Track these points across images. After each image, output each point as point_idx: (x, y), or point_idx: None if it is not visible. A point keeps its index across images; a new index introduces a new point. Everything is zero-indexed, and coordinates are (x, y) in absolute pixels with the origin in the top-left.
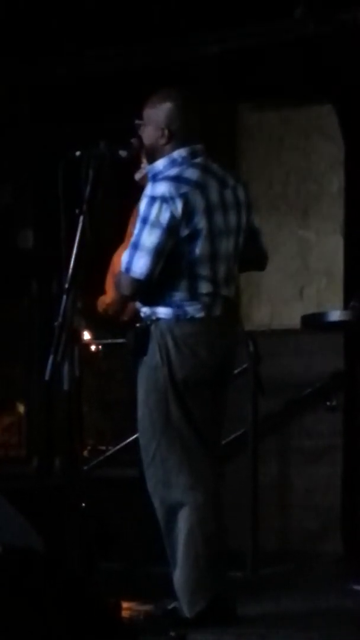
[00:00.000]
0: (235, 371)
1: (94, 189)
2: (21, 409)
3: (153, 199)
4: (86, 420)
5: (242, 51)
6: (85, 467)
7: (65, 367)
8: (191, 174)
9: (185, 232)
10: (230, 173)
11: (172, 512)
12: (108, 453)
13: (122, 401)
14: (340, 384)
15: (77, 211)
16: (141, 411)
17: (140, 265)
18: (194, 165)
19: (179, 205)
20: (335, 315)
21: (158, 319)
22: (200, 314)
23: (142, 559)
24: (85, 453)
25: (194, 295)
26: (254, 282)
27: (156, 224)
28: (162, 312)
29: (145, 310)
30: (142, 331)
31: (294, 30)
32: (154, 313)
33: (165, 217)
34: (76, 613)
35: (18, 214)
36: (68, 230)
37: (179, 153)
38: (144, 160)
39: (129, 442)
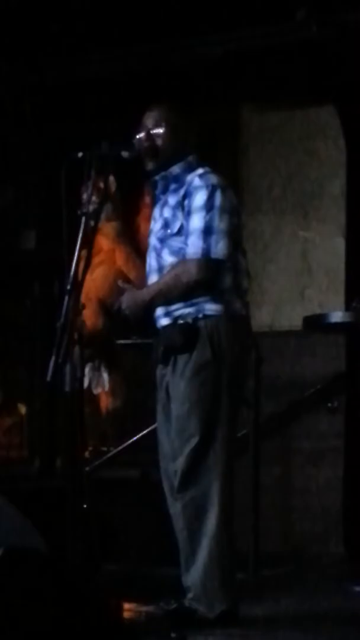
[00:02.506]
0: None
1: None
2: (23, 410)
3: (213, 188)
4: (88, 421)
5: (244, 53)
6: (87, 468)
7: (67, 368)
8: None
9: (236, 221)
10: None
11: (200, 511)
12: (110, 454)
13: (124, 402)
14: (342, 385)
15: (79, 212)
16: (185, 407)
17: (220, 247)
18: (210, 167)
19: (232, 195)
20: (337, 316)
21: (206, 316)
22: (244, 312)
23: (144, 559)
24: (87, 454)
25: (238, 292)
26: (255, 283)
27: (224, 209)
28: (212, 308)
29: (183, 311)
30: (190, 328)
31: (297, 32)
32: (200, 310)
33: (227, 203)
34: (78, 614)
35: (20, 215)
36: (70, 231)
37: (192, 157)
38: (94, 195)
39: (130, 443)
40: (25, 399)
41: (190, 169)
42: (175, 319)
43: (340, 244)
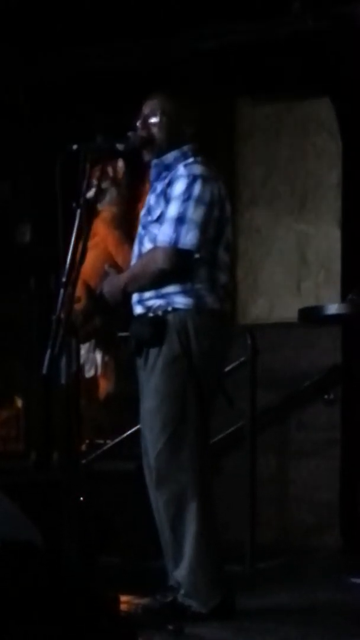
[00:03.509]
0: (234, 364)
1: (97, 182)
2: (19, 403)
3: (194, 177)
4: (84, 414)
5: (239, 46)
6: (83, 461)
7: (63, 361)
8: (209, 163)
9: (217, 214)
10: None
11: (180, 506)
12: (106, 447)
13: (120, 395)
14: (338, 377)
15: (74, 205)
16: (154, 401)
17: (190, 237)
18: (205, 158)
19: (215, 186)
20: (333, 308)
21: (175, 309)
22: (217, 306)
23: (140, 552)
24: (84, 447)
25: (213, 286)
26: (252, 275)
27: (200, 200)
28: (181, 302)
29: (154, 302)
30: (158, 321)
31: (292, 24)
32: (169, 303)
33: (207, 194)
34: (74, 607)
35: (16, 209)
36: (65, 224)
37: (188, 147)
38: (96, 179)
39: (127, 436)
40: (21, 392)
41: (184, 157)
42: (148, 309)
43: (336, 236)
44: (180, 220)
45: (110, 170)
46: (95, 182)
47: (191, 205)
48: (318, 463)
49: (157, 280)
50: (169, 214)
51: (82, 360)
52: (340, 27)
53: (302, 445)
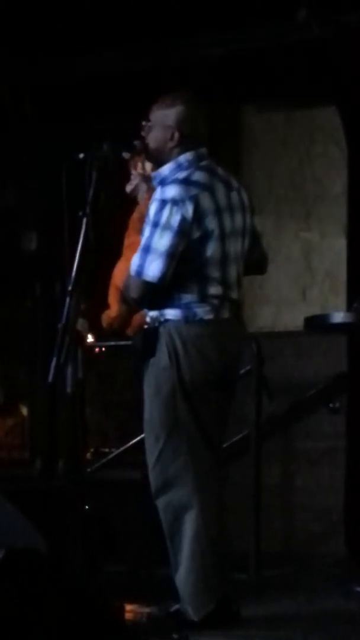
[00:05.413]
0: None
1: (97, 191)
2: (24, 411)
3: (163, 202)
4: (89, 423)
5: (245, 53)
6: (88, 469)
7: (69, 369)
8: (199, 176)
9: (196, 234)
10: (233, 176)
11: (177, 513)
12: (111, 455)
13: (125, 403)
14: (343, 385)
15: (80, 213)
16: (148, 412)
17: (152, 268)
18: (201, 168)
19: (189, 208)
20: (338, 317)
21: (166, 320)
22: (209, 316)
23: (145, 561)
24: (89, 455)
25: (203, 298)
26: (257, 283)
27: (167, 227)
28: (171, 313)
29: (152, 312)
30: (150, 332)
31: (298, 32)
32: (162, 314)
33: (176, 219)
34: (79, 615)
35: (22, 215)
36: (71, 232)
37: (185, 157)
38: (134, 172)
39: (132, 444)
40: (26, 400)
41: (178, 169)
42: (150, 317)
43: (341, 244)
44: (146, 249)
45: (139, 165)
46: (134, 174)
47: (157, 233)
48: (323, 471)
49: (134, 305)
50: (141, 240)
51: None
52: (346, 35)
53: (307, 453)
